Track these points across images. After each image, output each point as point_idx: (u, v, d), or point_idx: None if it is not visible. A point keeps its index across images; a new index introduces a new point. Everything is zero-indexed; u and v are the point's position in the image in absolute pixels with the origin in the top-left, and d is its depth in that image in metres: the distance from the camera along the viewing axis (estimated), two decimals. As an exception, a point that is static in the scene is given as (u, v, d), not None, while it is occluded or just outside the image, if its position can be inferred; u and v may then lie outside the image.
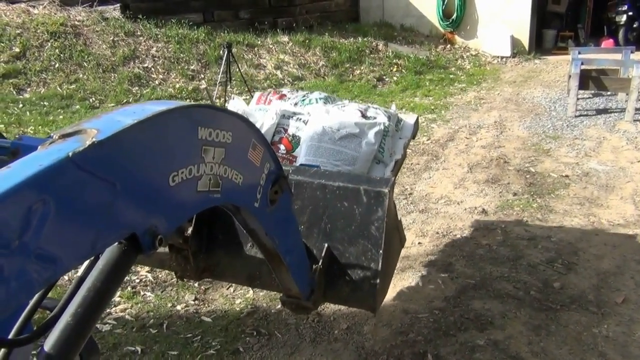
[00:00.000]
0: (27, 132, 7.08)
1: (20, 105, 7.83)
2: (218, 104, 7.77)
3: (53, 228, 0.95)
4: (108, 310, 3.41)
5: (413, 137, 3.42)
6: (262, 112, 3.10)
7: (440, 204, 5.13)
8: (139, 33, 9.92)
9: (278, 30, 11.37)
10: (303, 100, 3.26)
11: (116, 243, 1.14)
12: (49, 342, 1.05)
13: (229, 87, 7.91)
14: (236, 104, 3.14)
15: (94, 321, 1.12)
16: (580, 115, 7.78)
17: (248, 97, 8.46)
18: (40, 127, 7.25)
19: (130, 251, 1.15)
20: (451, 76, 10.64)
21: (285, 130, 3.01)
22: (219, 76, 7.78)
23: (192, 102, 7.19)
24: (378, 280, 2.20)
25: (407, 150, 3.39)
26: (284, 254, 1.85)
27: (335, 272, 2.27)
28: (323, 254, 2.26)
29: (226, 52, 7.43)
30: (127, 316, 3.39)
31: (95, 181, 1.02)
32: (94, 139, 1.01)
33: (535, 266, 3.92)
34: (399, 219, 2.58)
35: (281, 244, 1.81)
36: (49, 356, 1.04)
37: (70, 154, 0.97)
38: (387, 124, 3.02)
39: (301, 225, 2.31)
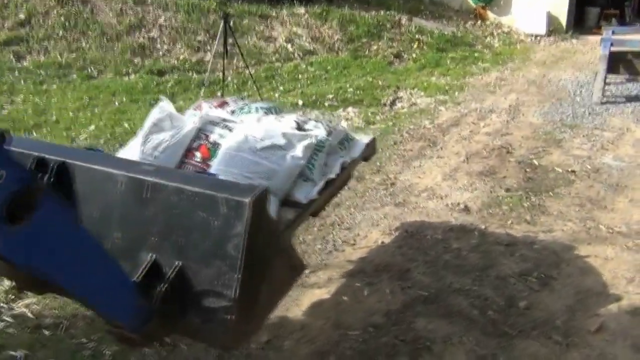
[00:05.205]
0: (15, 101, 6.89)
1: (16, 74, 7.65)
2: (221, 77, 7.39)
3: None
4: (9, 305, 3.11)
5: (366, 159, 3.33)
6: (192, 118, 2.87)
7: (421, 197, 4.60)
8: (148, 1, 9.59)
9: (295, 1, 10.81)
10: (242, 109, 3.11)
11: None
12: None
13: (226, 60, 7.47)
14: (164, 107, 2.83)
15: None
16: (606, 102, 7.02)
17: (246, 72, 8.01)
18: (31, 95, 7.05)
19: None
20: (476, 54, 9.91)
21: (207, 137, 2.75)
22: (213, 49, 7.37)
23: None
24: (233, 312, 1.78)
25: (359, 167, 3.36)
26: (65, 282, 1.45)
27: (186, 298, 1.86)
28: (170, 274, 1.85)
29: (222, 24, 6.98)
30: (28, 313, 3.07)
31: None
32: None
33: (504, 278, 3.40)
34: (291, 239, 2.13)
35: (51, 269, 1.40)
36: None
37: None
38: (324, 138, 2.80)
39: (152, 236, 1.90)
